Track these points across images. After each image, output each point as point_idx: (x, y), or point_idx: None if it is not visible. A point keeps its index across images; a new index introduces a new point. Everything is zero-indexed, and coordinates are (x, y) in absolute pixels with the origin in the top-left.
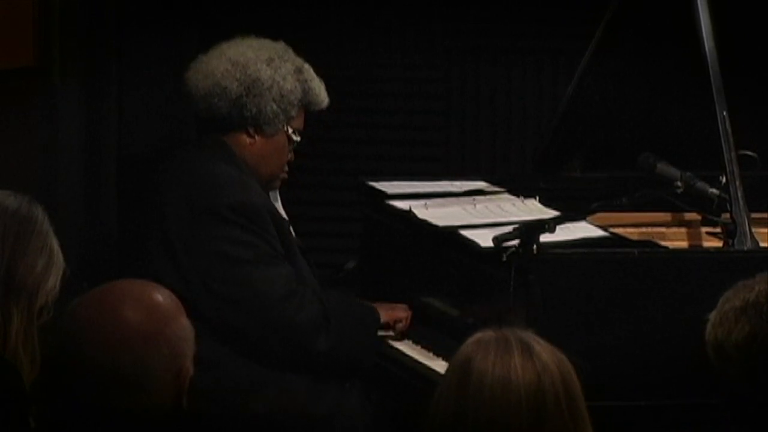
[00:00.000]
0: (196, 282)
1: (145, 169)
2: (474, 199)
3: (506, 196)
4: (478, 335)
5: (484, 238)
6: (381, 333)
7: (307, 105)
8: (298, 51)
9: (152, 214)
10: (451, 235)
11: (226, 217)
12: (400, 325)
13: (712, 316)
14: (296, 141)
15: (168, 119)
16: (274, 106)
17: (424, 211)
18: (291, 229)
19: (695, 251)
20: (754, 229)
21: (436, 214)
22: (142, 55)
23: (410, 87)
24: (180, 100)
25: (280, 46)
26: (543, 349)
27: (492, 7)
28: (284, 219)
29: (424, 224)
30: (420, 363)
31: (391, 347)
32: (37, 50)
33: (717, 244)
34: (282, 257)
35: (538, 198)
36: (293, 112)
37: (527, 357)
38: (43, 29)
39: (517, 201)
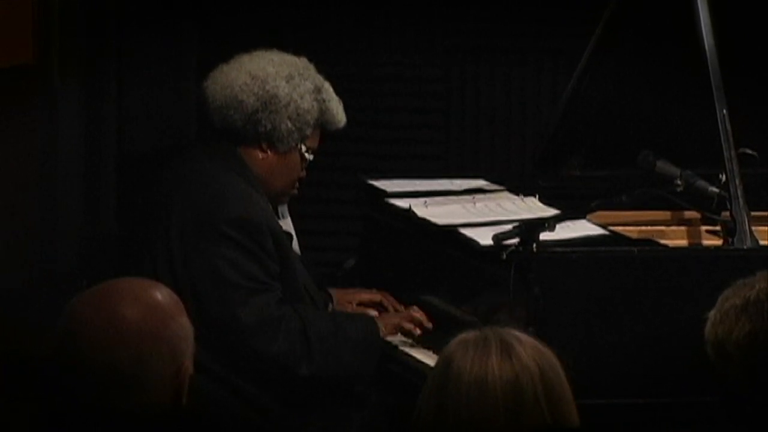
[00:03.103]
0: (186, 293)
1: (145, 169)
2: (474, 198)
3: (506, 194)
4: (461, 335)
5: (484, 237)
6: (399, 342)
7: (323, 124)
8: (299, 51)
9: (157, 217)
10: (450, 233)
11: (224, 232)
12: (408, 325)
13: (712, 314)
14: (309, 160)
15: (168, 119)
16: (290, 124)
17: (423, 209)
18: (296, 241)
19: (695, 249)
20: (753, 227)
21: (436, 212)
22: (142, 55)
23: (410, 86)
24: (180, 99)
25: (301, 63)
26: (524, 348)
27: (492, 7)
28: (286, 233)
29: (424, 223)
30: (420, 361)
31: (390, 345)
32: (36, 49)
33: (717, 242)
34: (274, 277)
35: (537, 196)
36: (308, 131)
37: (506, 357)
38: (43, 28)
39: (517, 199)
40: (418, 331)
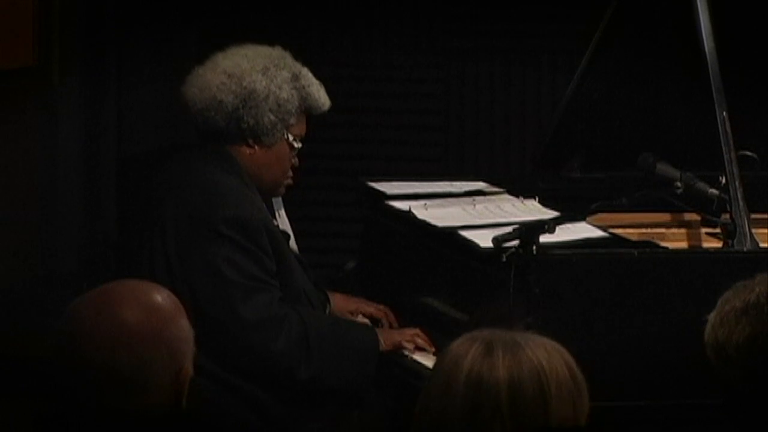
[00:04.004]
0: (185, 294)
1: (145, 170)
2: (474, 200)
3: (506, 196)
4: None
5: (484, 239)
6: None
7: (307, 110)
8: (298, 51)
9: (152, 220)
10: (450, 235)
11: (221, 231)
12: (418, 341)
13: (712, 317)
14: (298, 147)
15: (167, 119)
16: (272, 117)
17: (423, 211)
18: (293, 240)
19: (695, 252)
20: (753, 230)
21: (436, 214)
22: (142, 55)
23: (410, 87)
24: (180, 100)
25: (276, 53)
26: (505, 355)
27: (492, 7)
28: (282, 231)
29: (424, 225)
30: (419, 363)
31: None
32: (36, 50)
33: (717, 244)
34: (272, 275)
35: (537, 198)
36: (292, 120)
37: (482, 356)
38: (43, 29)
39: (517, 201)
40: (415, 355)
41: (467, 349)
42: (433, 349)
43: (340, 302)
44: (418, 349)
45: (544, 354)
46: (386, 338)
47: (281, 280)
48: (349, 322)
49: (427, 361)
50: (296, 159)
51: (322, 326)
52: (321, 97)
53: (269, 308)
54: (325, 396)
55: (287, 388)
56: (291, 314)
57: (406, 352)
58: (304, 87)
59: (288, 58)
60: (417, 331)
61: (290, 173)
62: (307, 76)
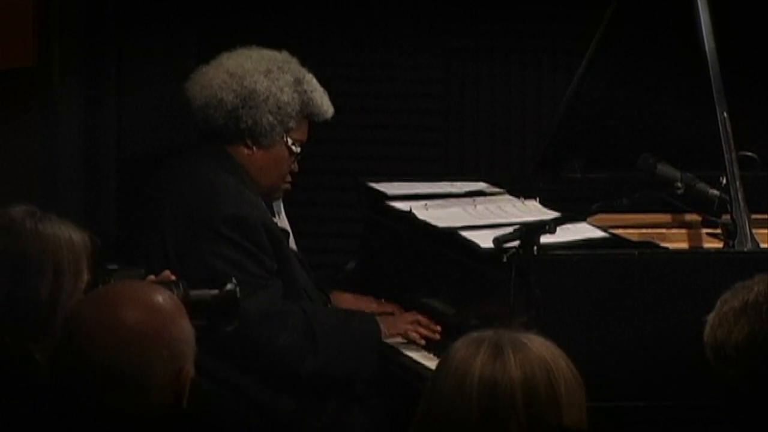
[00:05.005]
0: None
1: (145, 170)
2: (474, 200)
3: (507, 197)
4: (469, 333)
5: (485, 239)
6: (399, 344)
7: (309, 116)
8: (298, 52)
9: (152, 220)
10: (451, 236)
11: (219, 231)
12: (413, 335)
13: (711, 317)
14: (297, 153)
15: (168, 119)
16: (270, 118)
17: (424, 212)
18: (292, 239)
19: (695, 252)
20: (754, 230)
21: (437, 215)
22: (142, 55)
23: (410, 87)
24: (180, 99)
25: (281, 57)
26: (515, 354)
27: (492, 7)
28: (282, 230)
29: (425, 225)
30: (419, 363)
31: (391, 348)
32: (36, 50)
33: (717, 244)
34: (272, 273)
35: (538, 199)
36: (291, 124)
37: (491, 358)
38: (43, 29)
39: (518, 202)
40: (422, 342)
41: (475, 351)
42: (438, 328)
43: (344, 301)
44: (428, 338)
45: (549, 352)
46: (388, 326)
47: (282, 279)
48: (348, 311)
49: (426, 361)
50: (296, 165)
51: (325, 318)
52: (324, 104)
53: (272, 303)
54: (329, 387)
55: (292, 382)
56: (294, 309)
57: (407, 353)
58: (306, 92)
59: (293, 63)
60: (417, 317)
61: (288, 178)
62: (311, 81)
